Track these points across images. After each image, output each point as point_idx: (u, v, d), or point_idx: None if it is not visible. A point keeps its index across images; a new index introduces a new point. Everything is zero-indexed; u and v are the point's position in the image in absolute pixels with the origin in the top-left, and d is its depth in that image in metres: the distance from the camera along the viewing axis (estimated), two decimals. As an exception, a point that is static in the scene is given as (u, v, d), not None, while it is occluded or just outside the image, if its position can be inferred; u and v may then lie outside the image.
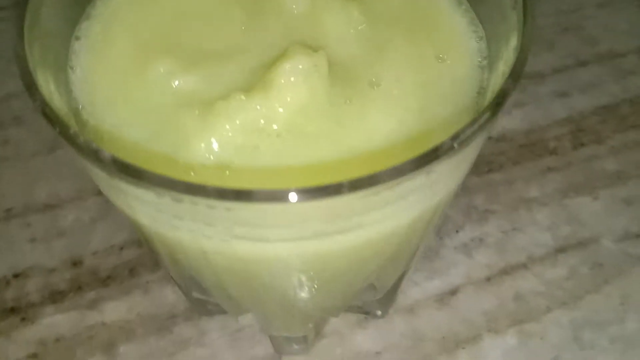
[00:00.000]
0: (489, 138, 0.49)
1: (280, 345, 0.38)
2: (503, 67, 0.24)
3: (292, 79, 0.24)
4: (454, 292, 0.42)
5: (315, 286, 0.28)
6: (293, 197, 0.19)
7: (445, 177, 0.23)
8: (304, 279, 0.27)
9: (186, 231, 0.23)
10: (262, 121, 0.25)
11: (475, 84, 0.27)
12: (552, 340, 0.40)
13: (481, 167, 0.47)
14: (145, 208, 0.22)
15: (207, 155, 0.24)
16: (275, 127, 0.25)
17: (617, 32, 0.55)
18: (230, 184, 0.21)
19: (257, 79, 0.26)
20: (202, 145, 0.24)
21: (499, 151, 0.48)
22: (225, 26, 0.28)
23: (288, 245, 0.23)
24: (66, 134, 0.20)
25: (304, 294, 0.29)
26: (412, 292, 0.42)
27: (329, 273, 0.27)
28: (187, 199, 0.19)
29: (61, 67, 0.27)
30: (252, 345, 0.39)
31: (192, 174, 0.24)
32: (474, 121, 0.20)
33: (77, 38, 0.28)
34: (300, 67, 0.25)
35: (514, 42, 0.23)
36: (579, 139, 0.49)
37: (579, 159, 0.48)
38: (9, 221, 0.45)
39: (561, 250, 0.44)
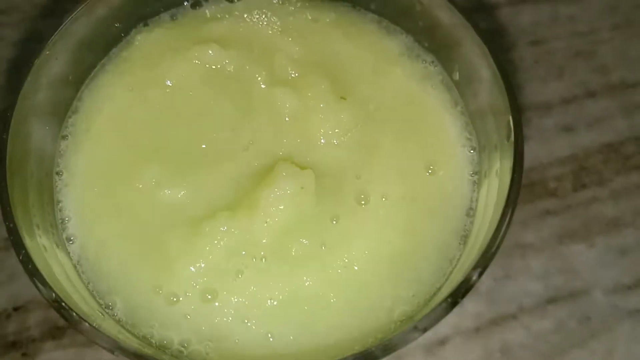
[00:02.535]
0: (489, 177, 0.49)
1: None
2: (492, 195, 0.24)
3: (279, 205, 0.24)
4: (442, 342, 0.43)
5: None
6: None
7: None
8: None
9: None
10: (246, 247, 0.25)
11: (464, 203, 0.27)
12: (534, 396, 0.41)
13: (478, 208, 0.47)
14: None
15: (191, 282, 0.25)
16: (260, 252, 0.25)
17: (630, 59, 0.54)
18: (214, 317, 0.22)
19: (243, 194, 0.26)
20: (187, 271, 0.24)
21: (497, 191, 0.48)
22: (216, 127, 0.28)
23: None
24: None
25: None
26: (401, 339, 0.43)
27: None
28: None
29: (47, 172, 0.27)
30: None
31: (176, 301, 0.24)
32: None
33: (64, 137, 0.28)
34: (287, 191, 0.25)
35: (506, 184, 0.23)
36: (581, 179, 0.49)
37: (578, 202, 0.48)
38: (9, 251, 0.46)
39: (551, 300, 0.44)
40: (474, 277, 0.22)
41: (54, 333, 0.44)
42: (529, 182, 0.49)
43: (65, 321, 0.20)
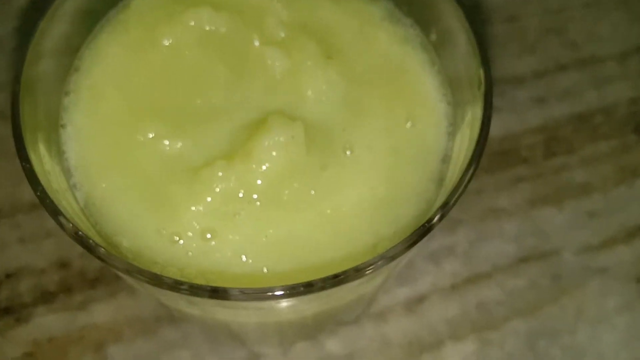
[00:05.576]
0: (465, 146, 0.52)
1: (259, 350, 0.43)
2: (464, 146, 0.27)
3: (272, 152, 0.28)
4: (421, 299, 0.47)
5: (284, 329, 0.33)
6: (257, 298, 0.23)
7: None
8: (274, 328, 0.31)
9: (169, 299, 0.26)
10: (242, 191, 0.28)
11: (441, 151, 0.30)
12: (508, 348, 0.45)
13: (455, 175, 0.51)
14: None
15: (193, 223, 0.27)
16: (255, 196, 0.28)
17: (600, 36, 0.58)
18: (214, 254, 0.25)
19: (238, 145, 0.29)
20: (188, 214, 0.27)
21: (473, 159, 0.52)
22: (210, 85, 0.31)
23: (256, 315, 0.27)
24: (71, 232, 0.23)
25: (275, 333, 0.33)
26: (383, 298, 0.46)
27: (292, 326, 0.31)
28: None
29: (53, 125, 0.29)
30: (233, 348, 0.44)
31: (179, 240, 0.27)
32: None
33: (67, 93, 0.30)
34: (279, 139, 0.28)
35: (476, 128, 0.26)
36: (551, 148, 0.53)
37: (549, 169, 0.52)
38: (-1, 221, 0.48)
39: (524, 260, 0.48)
40: (438, 216, 0.25)
41: (46, 298, 0.46)
42: (502, 150, 0.53)
43: (85, 249, 0.23)
